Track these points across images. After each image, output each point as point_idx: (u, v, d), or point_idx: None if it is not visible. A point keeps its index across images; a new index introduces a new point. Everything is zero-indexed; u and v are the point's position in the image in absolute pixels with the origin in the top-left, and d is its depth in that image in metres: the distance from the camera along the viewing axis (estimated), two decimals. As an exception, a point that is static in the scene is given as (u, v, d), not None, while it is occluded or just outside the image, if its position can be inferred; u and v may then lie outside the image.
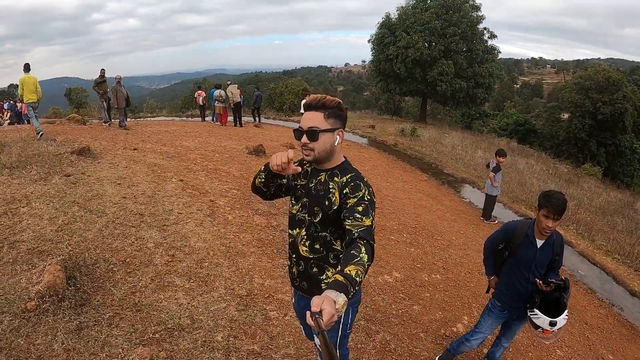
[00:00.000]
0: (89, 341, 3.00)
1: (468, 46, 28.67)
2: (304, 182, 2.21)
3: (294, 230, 2.26)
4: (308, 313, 1.38)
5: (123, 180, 6.58)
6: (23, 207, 4.87)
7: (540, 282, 3.05)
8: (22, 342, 2.82)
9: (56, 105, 23.69)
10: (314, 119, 2.07)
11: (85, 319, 3.21)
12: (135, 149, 9.43)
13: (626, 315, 5.84)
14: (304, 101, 2.20)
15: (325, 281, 2.20)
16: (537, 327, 3.10)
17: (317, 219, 2.14)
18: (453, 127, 31.58)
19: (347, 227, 1.88)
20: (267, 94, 35.67)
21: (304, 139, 2.06)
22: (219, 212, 6.06)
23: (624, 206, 13.87)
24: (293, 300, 2.52)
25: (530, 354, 4.30)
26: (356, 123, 22.64)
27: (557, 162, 21.69)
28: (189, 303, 3.77)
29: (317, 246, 2.19)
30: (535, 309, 3.09)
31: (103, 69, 14.53)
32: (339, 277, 1.55)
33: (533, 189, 12.45)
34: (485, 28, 29.52)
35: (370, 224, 1.88)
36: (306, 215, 2.18)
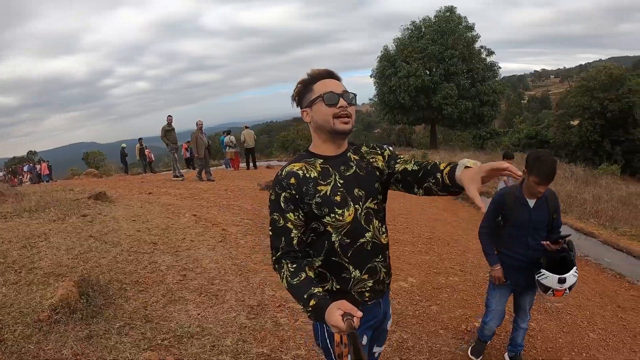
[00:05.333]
0: (97, 347, 3.12)
1: (468, 66, 29.29)
2: (330, 183, 1.77)
3: (368, 232, 1.81)
4: (340, 313, 1.44)
5: (138, 218, 6.84)
6: (42, 241, 5.11)
7: (547, 242, 3.01)
8: (32, 348, 2.96)
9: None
10: (343, 85, 1.82)
11: (95, 328, 3.34)
12: (150, 193, 9.78)
13: None
14: (314, 72, 1.84)
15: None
16: (547, 289, 3.01)
17: (380, 194, 1.88)
18: (465, 149, 31.63)
19: (398, 165, 1.83)
20: (279, 141, 36.57)
21: (342, 102, 1.74)
22: (231, 238, 6.23)
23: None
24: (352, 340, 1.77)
25: (560, 339, 4.18)
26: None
27: (572, 167, 21.49)
28: (198, 314, 3.87)
29: (385, 222, 1.93)
30: (542, 270, 3.01)
31: (170, 116, 13.18)
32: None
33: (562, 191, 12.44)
34: (482, 46, 30.27)
35: None
36: (369, 202, 1.82)
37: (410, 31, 30.84)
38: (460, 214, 10.11)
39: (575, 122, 41.77)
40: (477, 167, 1.51)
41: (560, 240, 3.00)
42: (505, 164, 1.46)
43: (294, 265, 1.69)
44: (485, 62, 30.21)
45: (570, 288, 2.98)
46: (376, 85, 32.16)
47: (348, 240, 1.77)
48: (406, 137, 43.67)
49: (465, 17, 29.98)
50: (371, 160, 1.89)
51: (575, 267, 2.97)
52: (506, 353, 3.67)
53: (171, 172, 14.21)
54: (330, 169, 1.80)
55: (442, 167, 1.67)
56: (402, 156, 1.88)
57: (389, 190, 1.94)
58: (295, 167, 1.79)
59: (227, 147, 17.93)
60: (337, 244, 1.77)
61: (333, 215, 1.74)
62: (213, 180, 12.52)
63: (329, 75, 1.81)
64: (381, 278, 1.89)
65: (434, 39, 28.88)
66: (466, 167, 1.56)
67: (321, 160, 1.82)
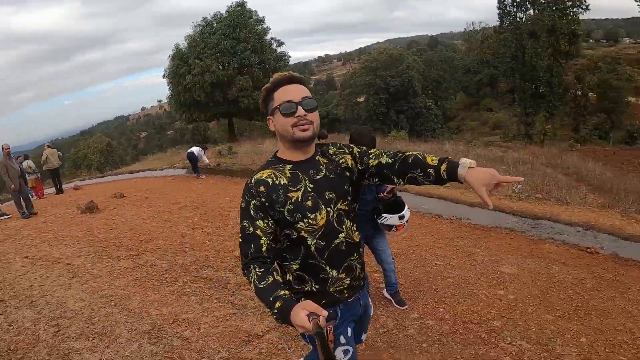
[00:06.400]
0: None
1: (260, 58, 30.37)
2: (300, 188, 1.81)
3: (342, 233, 1.88)
4: (305, 313, 1.48)
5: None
6: None
7: (383, 194, 3.84)
8: None
9: None
10: (304, 90, 1.83)
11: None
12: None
13: (474, 221, 7.28)
14: (275, 79, 1.86)
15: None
16: (390, 227, 3.87)
17: (350, 195, 1.93)
18: (264, 137, 32.71)
19: (371, 161, 1.90)
20: (71, 159, 33.26)
21: (301, 110, 1.78)
22: (82, 271, 5.83)
23: (436, 151, 16.35)
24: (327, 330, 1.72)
25: (416, 273, 5.17)
26: (172, 160, 22.00)
27: None
28: (100, 359, 3.69)
29: (355, 221, 2.00)
30: (383, 214, 3.84)
31: None
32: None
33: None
34: (272, 38, 31.83)
35: None
36: (340, 203, 1.88)
37: (201, 27, 30.67)
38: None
39: (362, 99, 47.39)
40: (488, 174, 1.65)
41: (392, 190, 3.87)
42: (519, 178, 1.73)
43: (262, 270, 1.72)
44: (276, 53, 31.80)
45: (407, 221, 3.89)
46: (170, 85, 30.99)
47: (323, 243, 1.83)
48: (201, 135, 43.57)
49: (255, 11, 31.11)
50: (340, 161, 1.93)
51: (406, 205, 3.90)
52: (384, 290, 4.49)
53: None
54: (300, 174, 1.83)
55: (432, 162, 1.77)
56: (371, 151, 1.95)
57: None
58: (265, 174, 1.81)
59: (27, 174, 15.67)
60: (312, 247, 1.83)
61: (306, 220, 1.78)
62: (35, 214, 10.66)
63: (289, 80, 1.84)
64: (357, 275, 1.98)
65: (226, 34, 29.26)
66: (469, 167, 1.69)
67: (290, 166, 1.84)
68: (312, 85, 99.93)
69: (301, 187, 1.81)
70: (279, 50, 32.15)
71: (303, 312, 1.49)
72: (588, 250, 5.76)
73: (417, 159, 1.81)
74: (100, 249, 6.83)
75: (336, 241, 1.86)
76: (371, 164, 1.90)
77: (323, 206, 1.82)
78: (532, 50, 37.39)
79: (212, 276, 5.41)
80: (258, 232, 1.77)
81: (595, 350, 3.54)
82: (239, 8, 30.39)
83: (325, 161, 1.91)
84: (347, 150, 1.97)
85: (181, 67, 29.24)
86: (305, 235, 1.81)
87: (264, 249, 1.76)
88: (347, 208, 1.90)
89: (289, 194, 1.78)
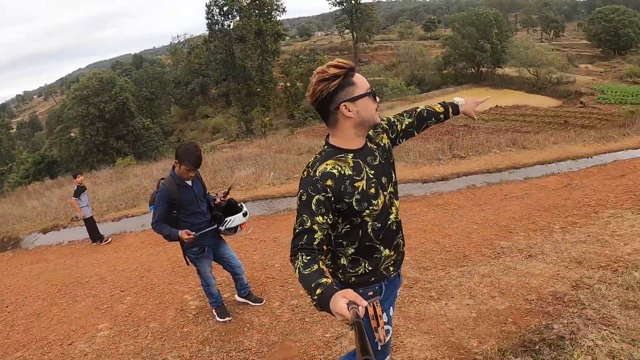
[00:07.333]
0: None
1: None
2: (363, 177, 1.84)
3: (392, 214, 1.97)
4: (345, 301, 1.47)
5: None
6: None
7: (219, 200, 4.00)
8: None
9: None
10: None
11: None
12: None
13: (255, 214, 8.44)
14: (347, 64, 1.80)
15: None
16: (235, 229, 3.99)
17: (394, 177, 2.03)
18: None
19: (399, 126, 2.17)
20: None
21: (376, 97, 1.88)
22: None
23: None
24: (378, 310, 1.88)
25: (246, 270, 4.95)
26: None
27: (93, 173, 23.10)
28: None
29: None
30: (226, 218, 3.95)
31: None
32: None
33: (104, 195, 14.42)
34: None
35: None
36: (390, 186, 1.97)
37: None
38: (50, 258, 8.72)
39: (76, 133, 43.75)
40: (472, 102, 2.41)
41: (227, 193, 4.09)
42: (486, 97, 2.72)
43: (308, 258, 1.73)
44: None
45: (249, 216, 4.09)
46: None
47: (379, 225, 1.92)
48: None
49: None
50: (382, 144, 2.02)
51: (242, 204, 4.12)
52: (236, 296, 4.59)
53: None
54: (361, 163, 1.86)
55: (440, 110, 2.29)
56: (393, 119, 2.20)
57: None
58: (329, 165, 1.80)
59: None
60: (369, 230, 1.90)
61: (371, 207, 1.85)
62: None
63: (354, 70, 1.83)
64: (401, 250, 2.10)
65: None
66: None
67: (352, 155, 1.86)
68: (14, 131, 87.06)
69: (363, 175, 1.85)
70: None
71: (343, 301, 1.48)
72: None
73: (429, 111, 2.26)
74: None
75: (389, 222, 1.96)
76: (400, 129, 2.17)
77: (381, 191, 1.90)
78: (242, 54, 40.75)
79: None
80: (315, 226, 1.77)
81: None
82: None
83: (375, 147, 1.97)
84: (380, 129, 2.07)
85: None
86: (368, 219, 1.88)
87: (315, 242, 1.77)
88: (393, 190, 2.01)
89: (355, 184, 1.82)
